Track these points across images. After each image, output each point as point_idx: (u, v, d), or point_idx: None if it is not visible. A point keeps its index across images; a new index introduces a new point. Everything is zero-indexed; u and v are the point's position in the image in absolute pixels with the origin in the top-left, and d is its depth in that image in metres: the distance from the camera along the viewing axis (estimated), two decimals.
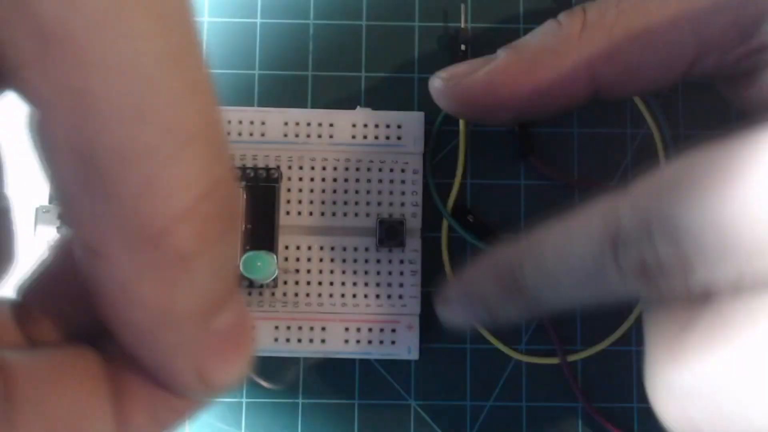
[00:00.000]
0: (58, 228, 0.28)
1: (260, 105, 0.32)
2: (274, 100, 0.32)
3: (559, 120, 0.32)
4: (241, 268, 0.27)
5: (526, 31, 0.32)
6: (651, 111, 0.32)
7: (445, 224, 0.31)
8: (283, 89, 0.32)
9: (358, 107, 0.30)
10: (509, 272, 0.22)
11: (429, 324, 0.30)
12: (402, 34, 0.32)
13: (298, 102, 0.32)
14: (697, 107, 0.32)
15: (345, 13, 0.32)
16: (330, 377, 0.30)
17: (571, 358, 0.30)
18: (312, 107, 0.32)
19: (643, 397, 0.30)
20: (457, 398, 0.30)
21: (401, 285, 0.29)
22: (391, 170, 0.30)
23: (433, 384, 0.30)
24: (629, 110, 0.32)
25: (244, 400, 0.30)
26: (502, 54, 0.26)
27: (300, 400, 0.30)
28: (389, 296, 0.29)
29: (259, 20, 0.32)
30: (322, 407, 0.30)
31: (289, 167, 0.30)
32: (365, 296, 0.29)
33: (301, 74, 0.32)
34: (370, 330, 0.29)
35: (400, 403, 0.30)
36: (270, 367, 0.30)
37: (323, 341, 0.29)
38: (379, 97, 0.32)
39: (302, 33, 0.32)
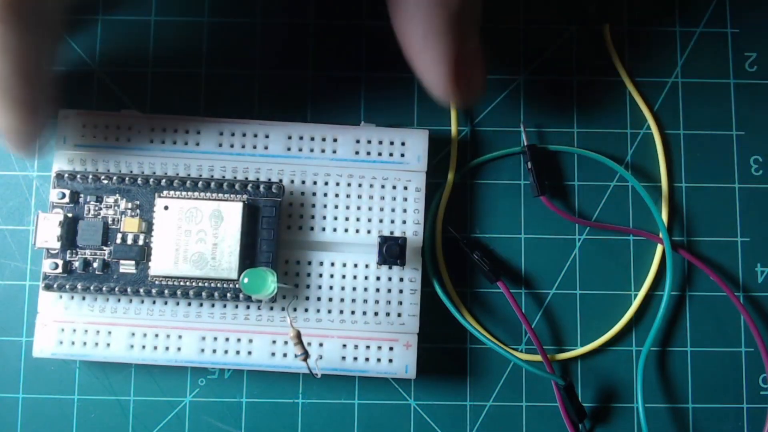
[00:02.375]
0: (58, 237, 0.28)
1: (260, 104, 0.32)
2: (273, 99, 0.32)
3: (559, 120, 0.32)
4: (240, 285, 0.26)
5: (526, 31, 0.32)
6: (651, 111, 0.32)
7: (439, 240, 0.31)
8: (282, 89, 0.32)
9: (363, 122, 0.30)
10: None
11: (429, 324, 0.30)
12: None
13: (298, 101, 0.32)
14: (696, 107, 0.32)
15: (344, 13, 0.32)
16: (330, 377, 0.30)
17: (570, 354, 0.30)
18: (312, 106, 0.32)
19: (643, 397, 0.30)
20: (457, 398, 0.31)
21: (400, 303, 0.29)
22: (394, 187, 0.30)
23: (433, 384, 0.31)
24: (629, 110, 0.32)
25: (244, 400, 0.30)
26: None
27: (300, 400, 0.30)
28: (388, 314, 0.29)
29: (259, 20, 0.32)
30: (322, 407, 0.30)
31: (292, 181, 0.29)
32: (364, 313, 0.29)
33: (301, 74, 0.32)
34: (367, 347, 0.29)
35: (400, 403, 0.30)
36: (267, 382, 0.30)
37: (321, 357, 0.29)
38: (379, 97, 0.32)
39: (302, 33, 0.32)
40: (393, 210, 0.29)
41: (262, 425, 0.30)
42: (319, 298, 0.29)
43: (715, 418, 0.31)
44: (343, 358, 0.29)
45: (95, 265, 0.28)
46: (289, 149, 0.30)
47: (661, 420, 0.31)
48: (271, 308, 0.29)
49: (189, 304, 0.29)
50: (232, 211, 0.28)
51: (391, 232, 0.29)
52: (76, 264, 0.28)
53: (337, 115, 0.31)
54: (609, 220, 0.32)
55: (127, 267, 0.28)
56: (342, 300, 0.29)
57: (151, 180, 0.28)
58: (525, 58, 0.32)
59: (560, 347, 0.31)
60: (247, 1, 0.32)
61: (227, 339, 0.29)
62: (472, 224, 0.31)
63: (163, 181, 0.28)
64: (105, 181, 0.28)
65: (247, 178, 0.29)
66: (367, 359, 0.29)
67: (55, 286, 0.28)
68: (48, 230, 0.28)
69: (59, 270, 0.28)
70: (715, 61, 0.32)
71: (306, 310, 0.29)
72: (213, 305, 0.29)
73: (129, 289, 0.28)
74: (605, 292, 0.31)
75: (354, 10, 0.32)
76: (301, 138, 0.30)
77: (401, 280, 0.29)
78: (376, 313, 0.29)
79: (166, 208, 0.28)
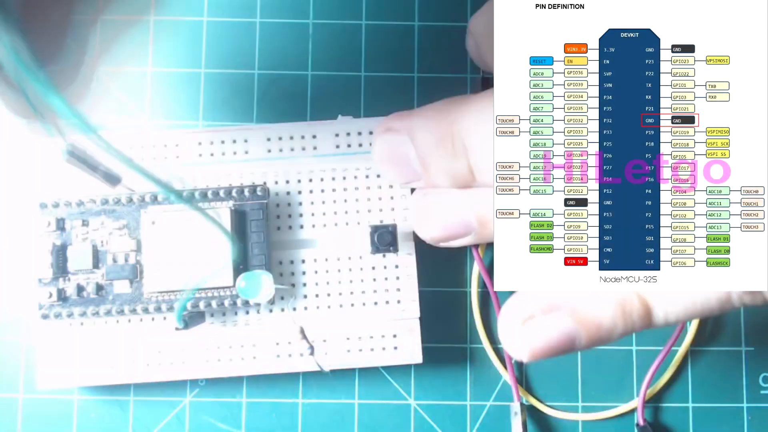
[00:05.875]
0: (49, 265, 0.28)
1: (259, 104, 0.31)
2: (273, 99, 0.32)
3: None
4: (237, 290, 0.26)
5: None
6: None
7: None
8: (282, 89, 0.32)
9: (339, 116, 0.30)
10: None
11: (428, 324, 0.30)
12: (402, 34, 0.32)
13: (297, 102, 0.32)
14: None
15: (345, 12, 0.32)
16: (330, 377, 0.30)
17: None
18: (311, 107, 0.32)
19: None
20: (457, 398, 0.31)
21: (398, 290, 0.29)
22: (378, 176, 0.30)
23: (433, 384, 0.31)
24: None
25: (244, 400, 0.30)
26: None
27: (300, 400, 0.30)
28: (387, 302, 0.29)
29: (258, 20, 0.32)
30: (322, 407, 0.30)
31: (276, 183, 0.29)
32: (363, 304, 0.29)
33: (301, 74, 0.32)
34: (371, 338, 0.29)
35: (400, 403, 0.30)
36: (267, 382, 0.30)
37: (326, 354, 0.29)
38: (378, 97, 0.32)
39: (302, 33, 0.32)
40: (380, 198, 0.30)
41: (262, 425, 0.30)
42: (317, 295, 0.29)
43: (715, 418, 0.30)
44: (348, 351, 0.29)
45: (89, 289, 0.28)
46: (269, 151, 0.30)
47: (661, 419, 0.31)
48: (271, 310, 0.29)
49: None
50: (220, 217, 0.28)
51: (381, 221, 0.29)
52: (70, 291, 0.28)
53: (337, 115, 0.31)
54: None
55: (122, 287, 0.28)
56: (340, 294, 0.29)
57: (135, 197, 0.28)
58: None
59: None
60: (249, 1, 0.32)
61: (230, 347, 0.29)
62: None
63: (147, 196, 0.28)
64: (89, 205, 0.28)
65: (230, 184, 0.29)
66: (372, 349, 0.29)
67: (51, 315, 0.28)
68: (38, 260, 0.28)
69: (54, 298, 0.28)
70: None
71: (305, 309, 0.29)
72: (212, 314, 0.29)
73: (126, 309, 0.28)
74: None
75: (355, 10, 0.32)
76: (280, 138, 0.30)
77: (396, 266, 0.29)
78: (375, 303, 0.29)
79: (153, 223, 0.28)
